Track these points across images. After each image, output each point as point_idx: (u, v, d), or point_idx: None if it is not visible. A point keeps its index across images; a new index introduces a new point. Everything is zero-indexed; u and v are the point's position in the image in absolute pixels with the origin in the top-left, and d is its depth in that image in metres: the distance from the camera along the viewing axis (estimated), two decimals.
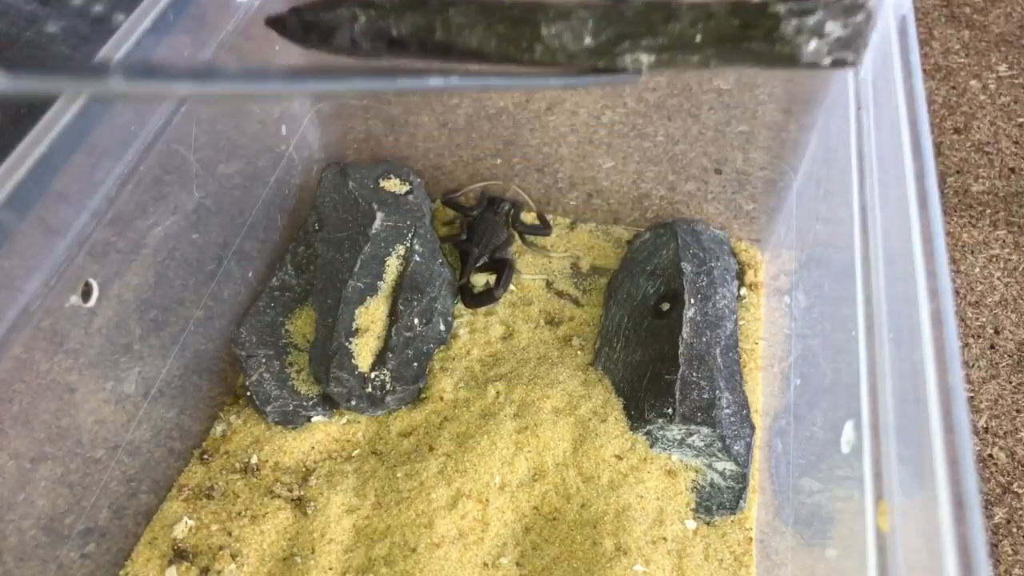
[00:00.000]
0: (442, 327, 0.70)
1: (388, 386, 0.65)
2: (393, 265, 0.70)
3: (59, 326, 0.47)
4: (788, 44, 0.36)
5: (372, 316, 0.67)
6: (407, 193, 0.76)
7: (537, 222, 0.81)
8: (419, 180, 0.79)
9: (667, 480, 0.62)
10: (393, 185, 0.77)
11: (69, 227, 0.46)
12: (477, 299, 0.74)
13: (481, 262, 0.76)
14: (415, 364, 0.67)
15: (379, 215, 0.72)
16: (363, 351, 0.65)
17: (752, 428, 0.63)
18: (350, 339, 0.65)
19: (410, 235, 0.72)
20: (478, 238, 0.77)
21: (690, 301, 0.69)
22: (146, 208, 0.53)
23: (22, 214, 0.43)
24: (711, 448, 0.61)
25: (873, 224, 0.46)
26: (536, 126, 0.74)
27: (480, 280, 0.76)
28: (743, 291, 0.75)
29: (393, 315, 0.68)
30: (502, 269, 0.75)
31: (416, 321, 0.68)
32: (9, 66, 0.20)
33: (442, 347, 0.70)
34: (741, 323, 0.72)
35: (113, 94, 0.22)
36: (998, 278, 0.83)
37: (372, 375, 0.65)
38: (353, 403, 0.64)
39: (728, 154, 0.72)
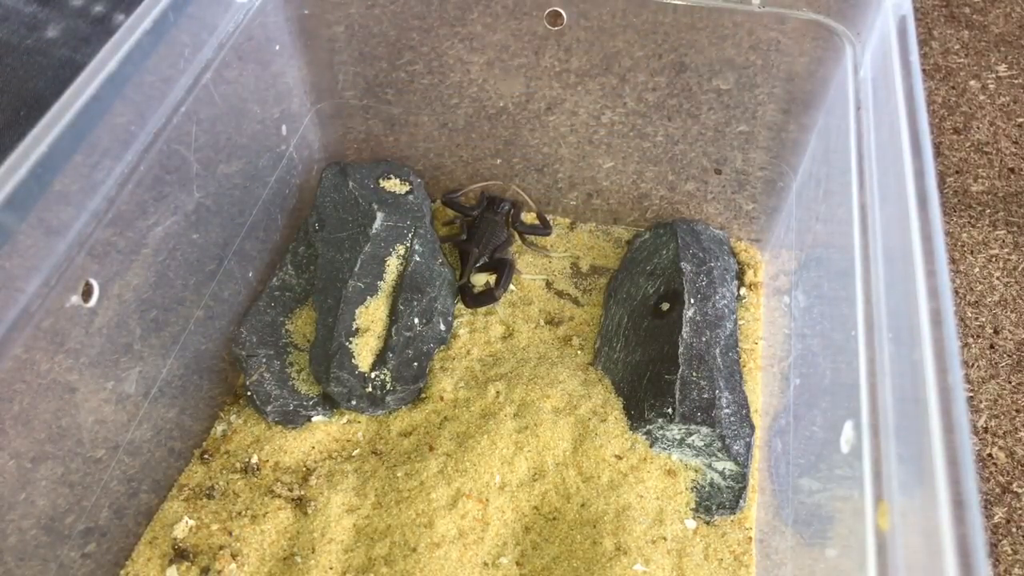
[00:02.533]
0: (442, 327, 0.70)
1: (388, 386, 0.65)
2: (393, 265, 0.70)
3: (59, 326, 0.47)
4: None
5: (372, 316, 0.67)
6: (407, 193, 0.76)
7: (537, 222, 0.81)
8: (419, 180, 0.79)
9: (667, 480, 0.62)
10: (393, 185, 0.77)
11: (69, 227, 0.46)
12: (477, 299, 0.74)
13: (481, 262, 0.76)
14: (415, 364, 0.67)
15: (379, 215, 0.72)
16: (363, 351, 0.65)
17: (752, 428, 0.63)
18: (350, 339, 0.65)
19: (410, 235, 0.72)
20: (478, 238, 0.77)
21: (690, 301, 0.69)
22: (146, 208, 0.53)
23: (22, 214, 0.43)
24: (711, 448, 0.62)
25: (873, 224, 0.46)
26: (536, 126, 0.74)
27: (480, 280, 0.76)
28: (743, 291, 0.75)
29: (393, 315, 0.68)
30: (502, 269, 0.75)
31: (416, 321, 0.68)
32: None
33: (442, 347, 0.70)
34: (741, 323, 0.72)
35: None
36: (997, 278, 0.83)
37: (372, 375, 0.65)
38: (353, 403, 0.64)
39: (728, 154, 0.72)
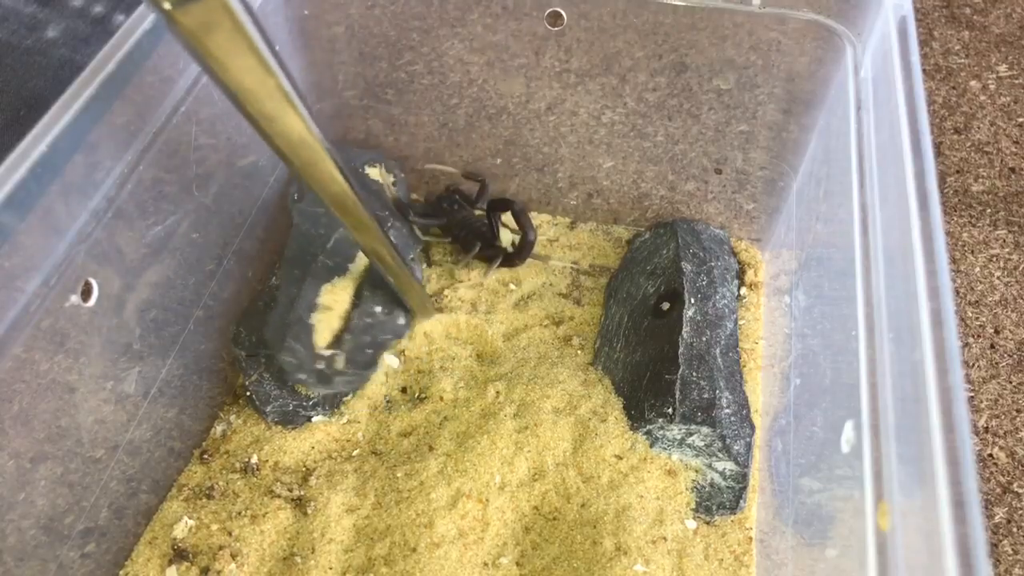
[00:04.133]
0: (402, 320, 0.70)
1: (339, 366, 0.64)
2: None
3: (59, 326, 0.47)
4: None
5: (336, 296, 0.67)
6: (391, 184, 0.76)
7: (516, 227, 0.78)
8: (402, 176, 0.79)
9: (667, 480, 0.62)
10: (377, 174, 0.77)
11: (69, 227, 0.46)
12: (520, 254, 0.73)
13: (477, 248, 0.74)
14: (369, 351, 0.67)
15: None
16: (322, 328, 0.65)
17: (752, 428, 0.63)
18: (311, 313, 0.65)
19: (387, 225, 0.72)
20: (463, 239, 0.76)
21: (690, 301, 0.69)
22: (146, 208, 0.53)
23: (22, 214, 0.43)
24: (711, 448, 0.61)
25: (873, 224, 0.46)
26: (536, 126, 0.74)
27: (507, 239, 0.75)
28: (743, 291, 0.75)
29: (357, 298, 0.68)
30: (515, 216, 0.73)
31: (379, 309, 0.68)
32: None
33: (397, 340, 0.70)
34: (741, 323, 0.72)
35: None
36: (998, 278, 0.83)
37: (326, 353, 0.64)
38: (303, 376, 0.64)
39: (728, 154, 0.72)
